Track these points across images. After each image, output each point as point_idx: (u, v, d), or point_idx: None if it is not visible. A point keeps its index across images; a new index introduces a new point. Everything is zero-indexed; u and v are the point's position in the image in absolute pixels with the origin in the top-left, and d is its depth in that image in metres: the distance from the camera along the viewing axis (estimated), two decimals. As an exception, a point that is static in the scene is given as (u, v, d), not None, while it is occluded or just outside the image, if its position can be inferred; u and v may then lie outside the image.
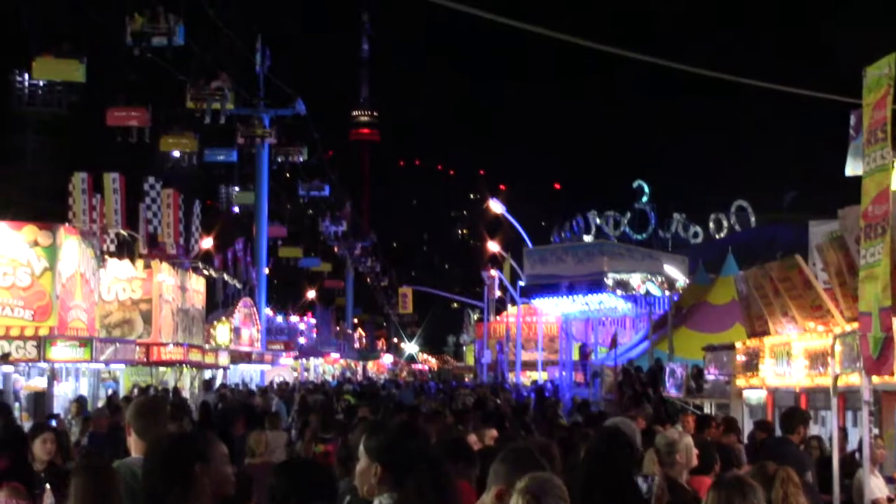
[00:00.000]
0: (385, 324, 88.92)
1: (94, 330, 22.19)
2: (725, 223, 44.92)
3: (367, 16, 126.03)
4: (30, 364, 19.78)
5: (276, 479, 4.37)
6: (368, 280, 77.37)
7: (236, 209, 51.61)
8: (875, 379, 8.37)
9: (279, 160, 43.75)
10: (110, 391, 23.40)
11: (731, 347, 14.94)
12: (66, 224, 23.80)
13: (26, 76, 42.83)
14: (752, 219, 45.57)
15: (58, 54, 25.36)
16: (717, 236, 44.59)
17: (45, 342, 18.96)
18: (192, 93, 32.57)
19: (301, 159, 44.27)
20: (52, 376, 20.46)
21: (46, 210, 30.87)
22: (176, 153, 35.20)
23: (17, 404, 18.86)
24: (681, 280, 31.32)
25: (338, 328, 68.56)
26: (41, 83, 40.38)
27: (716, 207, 46.14)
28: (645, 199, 47.13)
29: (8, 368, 19.13)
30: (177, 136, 33.91)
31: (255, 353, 38.34)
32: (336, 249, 63.92)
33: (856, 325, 8.88)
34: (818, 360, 11.12)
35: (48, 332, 19.33)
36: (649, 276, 31.83)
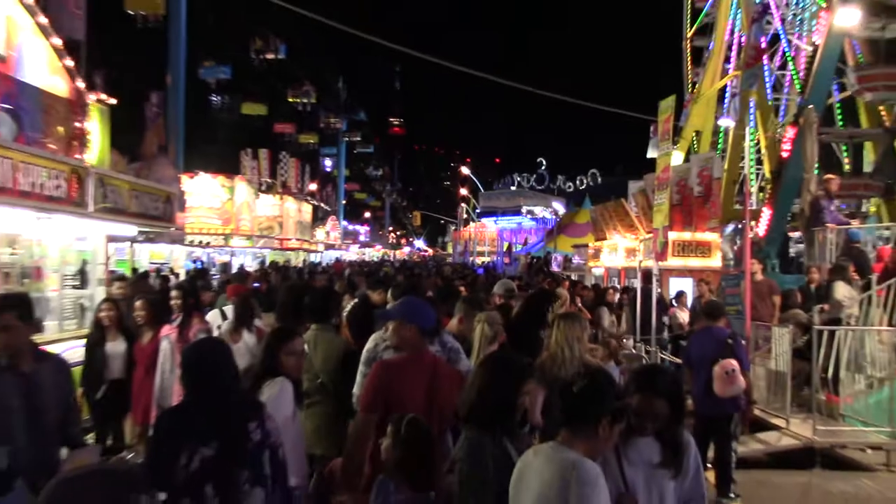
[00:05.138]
0: (405, 230, 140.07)
1: (253, 230, 34.39)
2: (586, 181, 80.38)
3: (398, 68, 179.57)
4: (219, 248, 31.59)
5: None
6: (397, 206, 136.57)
7: (328, 168, 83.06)
8: (660, 264, 16.74)
9: (345, 139, 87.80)
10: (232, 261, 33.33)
11: (586, 246, 28.13)
12: (240, 174, 37.27)
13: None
14: (600, 179, 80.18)
15: None
16: (581, 187, 78.35)
17: (228, 237, 31.35)
18: (291, 92, 64.26)
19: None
20: (232, 255, 32.48)
21: (228, 166, 39.75)
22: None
23: (213, 268, 27.96)
24: (561, 210, 58.75)
25: (381, 233, 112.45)
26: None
27: (582, 172, 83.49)
28: (543, 167, 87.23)
29: (209, 249, 30.79)
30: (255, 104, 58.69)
31: (336, 244, 61.50)
32: (382, 193, 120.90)
33: (650, 235, 17.74)
34: (631, 252, 20.59)
35: (230, 231, 31.36)
36: (545, 208, 68.27)
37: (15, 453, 4.74)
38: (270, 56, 55.24)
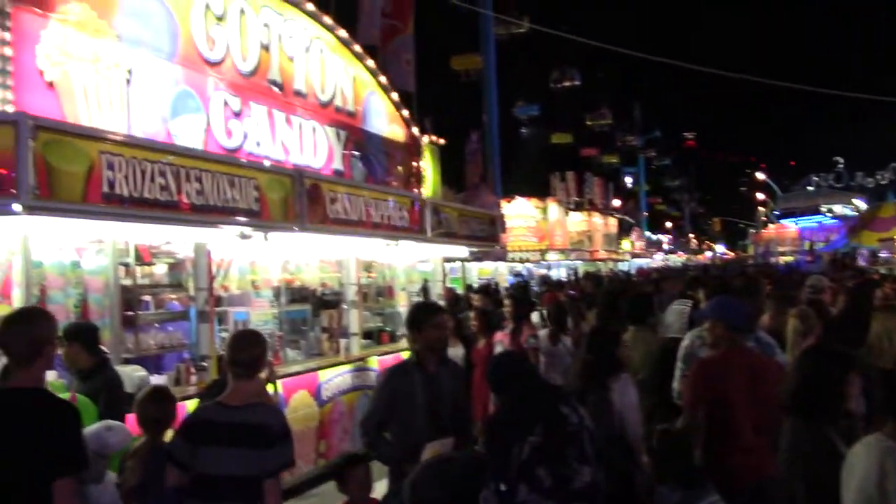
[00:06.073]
0: (706, 236, 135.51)
1: (566, 245, 34.50)
2: (887, 175, 68.52)
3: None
4: (537, 262, 32.88)
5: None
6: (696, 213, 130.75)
7: (630, 184, 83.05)
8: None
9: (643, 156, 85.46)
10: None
11: (892, 239, 29.16)
12: (551, 196, 37.31)
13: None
14: (902, 172, 74.76)
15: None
16: (882, 182, 68.33)
17: (544, 252, 32.11)
18: (589, 116, 65.41)
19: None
20: (548, 268, 34.18)
21: (540, 189, 40.30)
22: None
23: (532, 281, 27.63)
24: (862, 206, 54.46)
25: (682, 240, 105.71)
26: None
27: (881, 167, 70.35)
28: (841, 165, 74.26)
29: (528, 264, 32.34)
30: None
31: (641, 253, 59.98)
32: (681, 203, 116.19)
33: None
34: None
35: (545, 247, 32.14)
36: (845, 205, 62.01)
37: (416, 445, 4.77)
38: (567, 83, 57.03)
